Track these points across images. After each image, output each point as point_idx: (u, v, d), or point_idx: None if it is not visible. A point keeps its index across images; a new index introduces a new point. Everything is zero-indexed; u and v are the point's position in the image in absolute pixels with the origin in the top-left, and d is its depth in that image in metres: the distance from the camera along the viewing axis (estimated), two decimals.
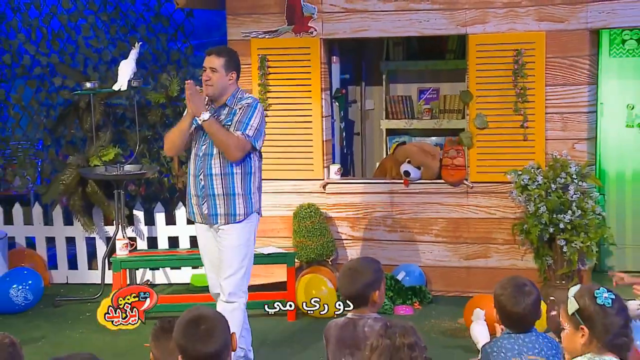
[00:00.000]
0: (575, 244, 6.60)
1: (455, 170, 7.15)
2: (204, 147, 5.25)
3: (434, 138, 7.90)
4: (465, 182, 7.15)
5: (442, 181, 7.21)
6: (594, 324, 3.12)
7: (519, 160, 6.89)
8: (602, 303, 3.12)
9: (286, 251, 6.98)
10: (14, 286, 7.12)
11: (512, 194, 6.85)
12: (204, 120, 5.09)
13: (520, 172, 6.79)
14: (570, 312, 3.16)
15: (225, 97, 5.28)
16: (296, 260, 6.98)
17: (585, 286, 3.25)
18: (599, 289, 3.16)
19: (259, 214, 5.42)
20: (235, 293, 5.26)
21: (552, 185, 6.64)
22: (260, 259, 6.94)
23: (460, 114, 7.77)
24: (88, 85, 7.71)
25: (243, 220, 5.27)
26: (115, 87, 7.22)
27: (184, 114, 5.32)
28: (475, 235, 7.16)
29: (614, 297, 3.15)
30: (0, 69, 9.03)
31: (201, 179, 5.25)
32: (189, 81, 5.20)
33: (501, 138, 7.01)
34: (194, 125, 5.26)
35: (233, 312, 5.17)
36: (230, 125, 5.20)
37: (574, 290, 3.22)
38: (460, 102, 7.54)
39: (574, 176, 6.67)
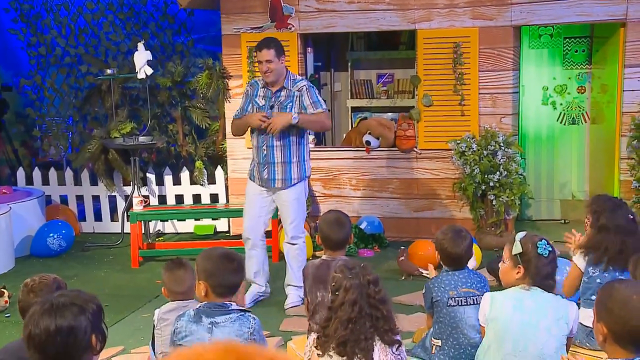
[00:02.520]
0: (502, 199, 6.65)
1: (407, 140, 7.16)
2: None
3: (389, 114, 7.89)
4: (415, 149, 7.16)
5: (396, 149, 7.22)
6: (529, 267, 3.17)
7: (457, 132, 6.90)
8: (541, 253, 3.16)
9: None
10: (51, 235, 7.08)
11: (452, 159, 6.88)
12: (296, 123, 5.13)
13: (458, 141, 6.81)
14: (513, 253, 3.20)
15: (282, 80, 5.25)
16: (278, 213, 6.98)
17: (530, 235, 3.28)
18: (541, 241, 3.19)
19: (308, 177, 5.50)
20: (297, 236, 5.38)
21: (484, 152, 6.67)
22: None
23: (411, 94, 7.76)
24: (108, 71, 7.63)
25: (297, 183, 5.31)
26: (140, 75, 7.13)
27: (251, 122, 5.27)
28: (423, 192, 7.19)
29: (550, 249, 3.20)
30: (37, 59, 8.90)
31: (264, 149, 5.26)
32: (262, 118, 5.15)
33: (443, 114, 7.02)
34: (255, 106, 5.29)
35: (297, 250, 5.40)
36: (291, 104, 5.20)
37: (520, 235, 3.25)
38: (411, 84, 7.53)
39: (501, 144, 6.71)
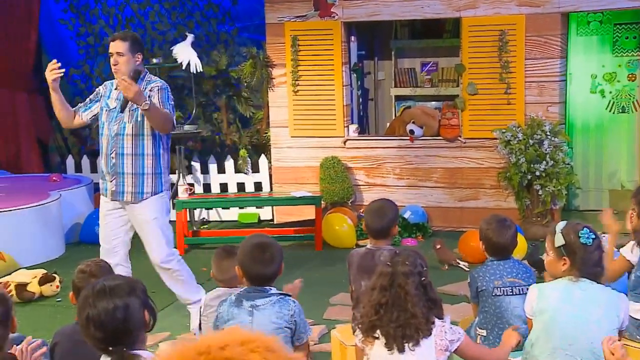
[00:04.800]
0: (549, 188, 6.56)
1: (451, 128, 7.10)
2: (115, 127, 4.58)
3: (433, 103, 7.82)
4: (459, 138, 7.09)
5: (440, 138, 7.16)
6: (575, 258, 3.11)
7: (503, 120, 6.82)
8: (584, 242, 3.10)
9: (314, 195, 6.99)
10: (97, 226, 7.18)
11: (497, 148, 6.80)
12: (146, 109, 4.38)
13: (504, 130, 6.73)
14: (556, 245, 3.14)
15: (134, 78, 4.51)
16: (322, 201, 6.99)
17: (571, 224, 3.20)
18: (583, 230, 3.13)
19: (168, 190, 4.78)
20: (166, 260, 4.69)
21: (530, 141, 6.58)
22: (294, 200, 6.98)
23: (455, 82, 7.68)
24: (154, 60, 7.71)
25: (150, 197, 4.62)
26: (192, 69, 7.17)
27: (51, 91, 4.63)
28: (467, 181, 7.12)
29: (594, 236, 3.13)
30: (86, 49, 9.03)
31: (112, 157, 4.59)
32: (124, 77, 4.40)
33: (488, 102, 6.93)
34: (105, 109, 4.63)
35: (174, 273, 4.74)
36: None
37: (560, 225, 3.17)
38: (455, 73, 7.45)
39: (548, 133, 6.61)
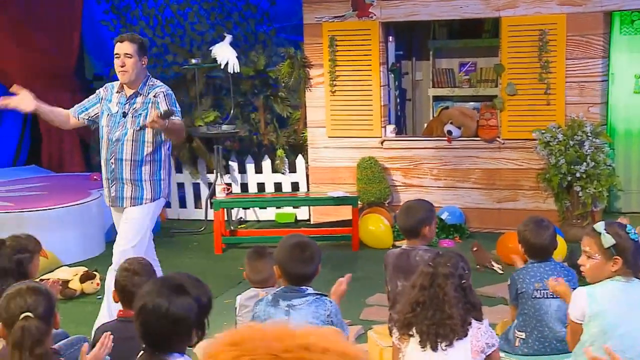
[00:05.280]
0: (589, 190, 6.46)
1: (489, 129, 7.04)
2: (117, 133, 4.48)
3: (472, 103, 7.76)
4: (497, 139, 7.03)
5: (478, 138, 7.11)
6: (627, 256, 3.06)
7: (542, 121, 6.74)
8: (633, 238, 3.07)
9: (351, 195, 6.98)
10: None
11: (536, 149, 6.72)
12: (167, 126, 4.28)
13: (543, 131, 6.65)
14: (606, 246, 3.08)
15: (137, 84, 4.50)
16: (359, 202, 6.99)
17: (612, 223, 3.16)
18: (626, 227, 3.09)
19: (165, 198, 4.66)
20: (119, 258, 4.31)
21: (570, 142, 6.49)
22: (330, 200, 6.98)
23: (494, 83, 7.61)
24: (193, 61, 7.78)
25: (149, 203, 4.53)
26: (230, 69, 7.23)
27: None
28: (505, 182, 7.05)
29: (636, 233, 3.11)
30: None
31: (112, 163, 4.50)
32: (154, 119, 4.23)
33: (528, 103, 6.86)
34: (107, 113, 4.53)
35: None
36: (145, 112, 4.45)
37: (601, 226, 3.12)
38: (494, 73, 7.38)
39: (589, 134, 6.52)
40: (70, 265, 6.06)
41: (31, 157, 8.89)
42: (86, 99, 4.68)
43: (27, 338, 2.57)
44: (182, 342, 2.40)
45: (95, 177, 7.83)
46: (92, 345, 3.15)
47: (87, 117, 4.62)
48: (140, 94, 4.50)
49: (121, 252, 4.37)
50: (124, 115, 4.48)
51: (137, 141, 4.46)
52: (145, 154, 4.48)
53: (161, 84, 4.59)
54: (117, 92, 4.55)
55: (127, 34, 4.60)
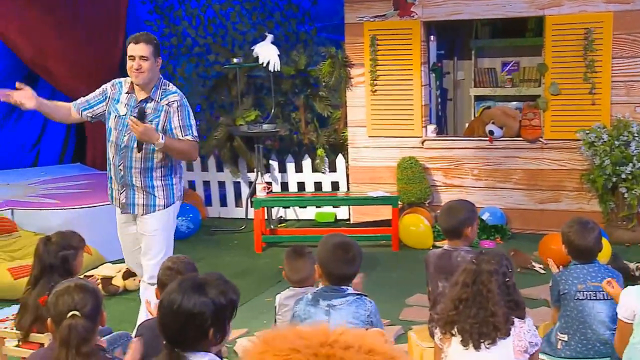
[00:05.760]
0: (635, 191, 6.34)
1: (532, 129, 6.95)
2: (125, 138, 4.26)
3: (514, 103, 7.68)
4: (540, 139, 6.94)
5: (521, 139, 7.02)
6: None
7: (586, 121, 6.64)
8: None
9: (391, 195, 6.96)
10: (179, 218, 7.34)
11: (580, 149, 6.62)
12: (161, 148, 4.15)
13: (588, 131, 6.55)
14: None
15: (150, 86, 4.26)
16: (399, 202, 6.96)
17: None
18: None
19: (180, 201, 4.49)
20: (154, 276, 3.98)
21: (616, 142, 6.38)
22: (370, 200, 6.97)
23: (537, 82, 7.52)
24: (235, 60, 7.83)
25: (162, 209, 4.36)
26: (271, 67, 7.26)
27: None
28: (548, 183, 6.96)
29: None
30: (169, 49, 9.23)
31: (121, 170, 4.31)
32: (131, 117, 4.13)
33: (572, 102, 6.75)
34: (114, 114, 4.32)
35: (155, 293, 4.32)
36: (157, 120, 4.22)
37: None
38: (538, 72, 7.30)
39: (635, 134, 6.39)
40: (113, 262, 6.14)
41: (76, 155, 9.04)
42: (91, 94, 4.40)
43: (73, 336, 2.61)
44: (197, 340, 2.35)
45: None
46: None
47: (91, 115, 4.37)
48: (152, 99, 4.25)
49: (153, 265, 4.25)
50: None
51: (147, 148, 4.22)
52: (156, 160, 4.26)
53: (175, 89, 4.34)
54: (127, 92, 4.32)
55: (142, 35, 4.29)
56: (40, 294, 3.42)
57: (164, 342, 2.40)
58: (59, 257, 3.56)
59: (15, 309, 3.60)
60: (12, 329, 3.62)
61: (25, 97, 4.13)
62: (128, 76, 4.29)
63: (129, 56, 4.22)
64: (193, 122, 4.31)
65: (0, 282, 5.70)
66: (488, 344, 2.85)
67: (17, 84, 4.16)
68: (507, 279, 2.94)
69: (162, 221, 4.36)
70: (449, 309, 2.97)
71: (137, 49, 4.20)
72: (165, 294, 2.42)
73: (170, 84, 4.39)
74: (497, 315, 2.87)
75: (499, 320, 2.87)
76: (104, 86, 4.40)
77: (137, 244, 4.43)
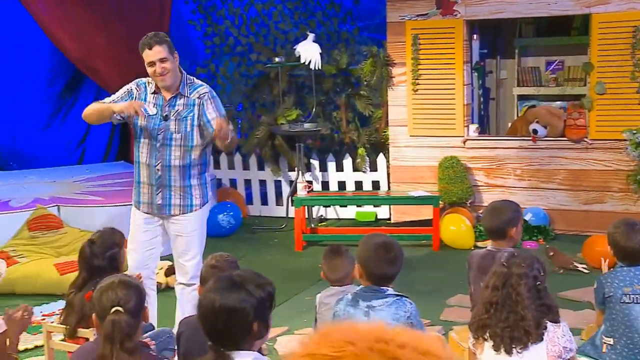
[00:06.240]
0: None
1: (577, 129, 6.84)
2: (160, 136, 4.21)
3: (558, 102, 7.57)
4: (585, 139, 6.82)
5: (565, 138, 6.92)
6: None
7: (633, 121, 6.50)
8: None
9: (432, 194, 6.91)
10: (220, 214, 7.41)
11: (627, 150, 6.49)
12: (229, 142, 4.08)
13: (635, 131, 6.42)
14: None
15: (177, 84, 4.21)
16: (440, 202, 6.91)
17: None
18: None
19: (210, 199, 4.55)
20: (196, 275, 4.08)
21: None
22: (411, 200, 6.94)
23: (582, 82, 7.39)
24: (277, 60, 7.86)
25: (199, 209, 4.36)
26: (312, 66, 7.28)
27: (111, 107, 4.16)
28: (593, 184, 6.84)
29: None
30: (212, 48, 9.31)
31: (158, 170, 4.23)
32: (219, 120, 4.06)
33: (618, 102, 6.63)
34: (145, 114, 4.22)
35: (192, 292, 4.25)
36: (192, 115, 4.20)
37: None
38: (583, 71, 7.18)
39: None
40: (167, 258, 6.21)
41: (120, 153, 9.18)
42: (116, 95, 4.32)
43: (117, 332, 2.64)
44: (242, 337, 2.34)
45: None
46: (177, 338, 3.22)
47: (119, 116, 4.23)
48: (182, 95, 4.21)
49: (194, 265, 4.29)
50: (165, 118, 4.19)
51: (184, 146, 4.21)
52: (192, 157, 4.24)
53: (201, 82, 4.32)
54: (153, 92, 4.25)
55: (152, 37, 4.17)
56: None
57: (209, 343, 2.39)
58: (106, 257, 3.58)
59: (61, 304, 3.65)
60: (58, 324, 3.68)
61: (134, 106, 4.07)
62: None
63: (148, 63, 4.14)
64: (224, 111, 4.31)
65: (46, 278, 5.82)
66: (520, 349, 2.82)
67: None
68: (538, 283, 2.89)
69: (199, 220, 4.35)
70: (481, 313, 2.94)
71: (154, 54, 4.12)
72: (203, 295, 2.43)
73: (195, 78, 4.36)
74: (527, 319, 2.83)
75: (530, 324, 2.83)
76: (127, 87, 4.33)
77: (154, 245, 4.38)
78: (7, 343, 3.21)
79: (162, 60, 4.12)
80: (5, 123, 9.15)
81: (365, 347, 1.17)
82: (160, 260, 6.03)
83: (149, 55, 4.13)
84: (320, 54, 7.26)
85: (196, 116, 4.21)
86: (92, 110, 4.24)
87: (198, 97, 4.20)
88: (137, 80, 4.36)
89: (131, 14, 8.55)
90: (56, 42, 8.15)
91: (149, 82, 4.30)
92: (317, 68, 7.30)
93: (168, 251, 6.69)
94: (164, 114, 4.18)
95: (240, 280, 2.39)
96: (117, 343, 2.63)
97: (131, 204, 4.45)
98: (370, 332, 1.21)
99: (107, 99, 4.37)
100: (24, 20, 8.31)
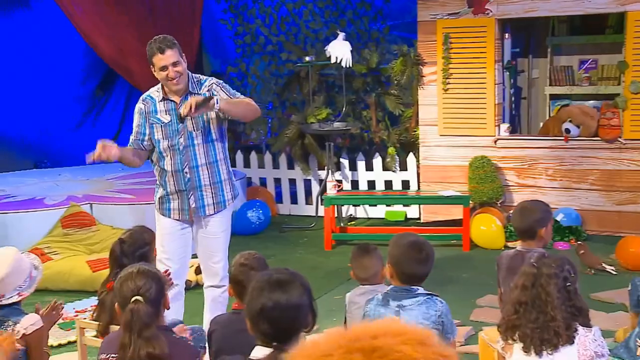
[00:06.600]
0: None
1: (611, 129, 6.75)
2: (181, 139, 4.16)
3: (591, 102, 7.47)
4: (619, 139, 6.73)
5: (598, 138, 6.83)
6: None
7: None
8: None
9: (462, 194, 6.88)
10: (249, 210, 7.45)
11: None
12: (219, 108, 4.03)
13: None
14: None
15: (187, 85, 4.18)
16: (470, 201, 6.87)
17: None
18: None
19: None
20: (225, 275, 4.16)
21: None
22: (441, 200, 6.91)
23: (617, 81, 7.29)
24: (307, 59, 7.87)
25: (229, 206, 4.33)
26: (343, 64, 7.28)
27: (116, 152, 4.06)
28: (627, 184, 6.75)
29: None
30: (243, 47, 9.35)
31: (186, 172, 4.18)
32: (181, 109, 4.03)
33: None
34: (160, 124, 4.19)
35: (225, 293, 4.25)
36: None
37: None
38: (617, 70, 7.08)
39: None
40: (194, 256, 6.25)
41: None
42: (134, 127, 4.27)
43: (135, 321, 2.68)
44: (301, 329, 2.41)
45: None
46: (209, 336, 3.24)
47: (149, 141, 4.23)
48: (192, 93, 4.16)
49: (222, 267, 4.29)
50: (182, 120, 4.14)
51: (205, 142, 4.18)
52: (216, 152, 4.22)
53: (205, 76, 4.28)
54: (162, 100, 4.20)
55: (162, 41, 4.11)
56: None
57: (259, 342, 2.38)
58: (136, 256, 3.62)
59: (94, 300, 3.70)
60: (91, 320, 3.73)
61: (107, 152, 4.01)
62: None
63: (161, 67, 4.06)
64: (237, 93, 4.25)
65: (79, 275, 5.89)
66: (550, 351, 2.79)
67: (98, 143, 4.00)
68: (569, 284, 2.86)
69: (228, 220, 4.35)
70: (510, 313, 2.92)
71: (167, 58, 4.06)
72: (262, 300, 2.38)
73: (199, 75, 4.31)
74: (556, 320, 2.80)
75: (559, 324, 2.80)
76: (137, 108, 4.27)
77: (187, 253, 4.35)
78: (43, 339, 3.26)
79: (174, 64, 4.07)
80: (39, 121, 9.30)
81: (343, 352, 1.18)
82: (192, 258, 6.10)
83: (161, 59, 4.06)
84: (351, 51, 7.26)
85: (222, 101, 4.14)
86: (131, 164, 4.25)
87: (208, 90, 4.18)
88: (142, 96, 4.28)
89: (163, 14, 8.63)
90: (90, 42, 8.26)
91: (153, 92, 4.23)
92: (347, 66, 7.30)
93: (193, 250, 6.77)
94: (179, 118, 4.13)
95: (288, 276, 2.43)
96: (135, 332, 2.67)
97: None
98: (346, 335, 1.22)
99: (131, 138, 4.29)
100: (60, 21, 8.44)
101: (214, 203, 4.25)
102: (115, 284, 2.87)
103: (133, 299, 2.71)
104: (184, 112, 3.95)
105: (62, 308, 3.50)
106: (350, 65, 7.32)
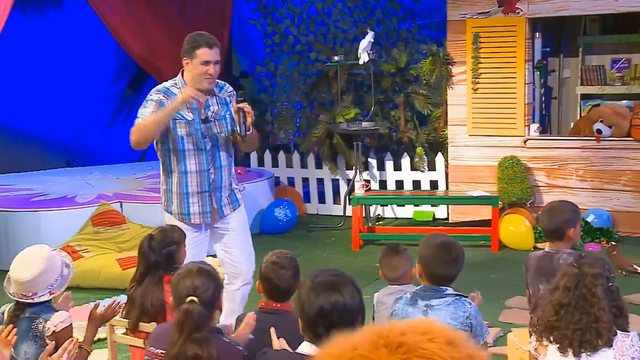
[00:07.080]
0: None
1: None
2: (206, 140, 4.13)
3: (624, 102, 7.38)
4: None
5: (631, 139, 6.75)
6: None
7: None
8: None
9: (491, 194, 6.83)
10: (277, 208, 7.48)
11: None
12: (247, 133, 4.04)
13: None
14: None
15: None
16: (499, 202, 6.82)
17: None
18: None
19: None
20: (253, 271, 4.22)
21: None
22: (470, 200, 6.88)
23: None
24: (336, 58, 7.88)
25: (242, 204, 4.40)
26: (360, 61, 7.31)
27: (166, 110, 3.99)
28: None
29: None
30: (272, 47, 9.37)
31: (212, 173, 4.17)
32: (241, 106, 4.03)
33: None
34: (183, 121, 4.09)
35: (246, 292, 4.33)
36: (230, 114, 4.15)
37: None
38: None
39: None
40: (213, 256, 6.30)
41: None
42: (149, 111, 4.06)
43: (188, 322, 2.66)
44: (355, 329, 2.42)
45: (239, 171, 8.10)
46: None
47: (164, 132, 4.12)
48: (214, 95, 4.15)
49: (250, 265, 4.32)
50: (205, 120, 4.10)
51: (227, 145, 4.22)
52: (231, 156, 4.28)
53: (222, 81, 4.25)
54: None
55: (211, 38, 4.06)
56: (146, 290, 3.54)
57: (308, 342, 2.39)
58: (163, 254, 3.64)
59: (123, 298, 3.74)
60: (121, 318, 3.77)
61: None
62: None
63: (204, 61, 3.99)
64: None
65: (109, 273, 5.96)
66: (589, 352, 2.76)
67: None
68: (611, 284, 2.83)
69: (245, 216, 4.40)
70: (549, 315, 2.88)
71: (213, 54, 4.01)
72: (321, 302, 2.37)
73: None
74: (601, 321, 2.77)
75: (604, 326, 2.77)
76: (155, 98, 4.09)
77: (203, 255, 4.28)
78: (79, 337, 3.28)
79: (216, 63, 4.04)
80: (71, 120, 9.41)
81: (369, 346, 1.19)
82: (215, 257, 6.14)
83: (207, 54, 3.99)
84: (373, 45, 7.23)
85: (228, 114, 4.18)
86: (144, 127, 3.98)
87: (228, 96, 4.21)
88: (157, 88, 4.17)
89: (193, 13, 8.69)
90: (121, 41, 8.34)
91: (171, 87, 4.14)
92: (366, 60, 7.26)
93: (212, 251, 6.80)
94: (202, 117, 4.10)
95: (340, 278, 2.44)
96: (185, 332, 2.65)
97: None
98: (374, 331, 1.23)
99: (139, 119, 4.10)
100: (92, 21, 8.54)
101: (229, 203, 4.29)
102: (172, 279, 2.83)
103: (188, 299, 2.68)
104: (249, 122, 4.01)
105: (120, 308, 3.54)
106: (366, 61, 7.28)
